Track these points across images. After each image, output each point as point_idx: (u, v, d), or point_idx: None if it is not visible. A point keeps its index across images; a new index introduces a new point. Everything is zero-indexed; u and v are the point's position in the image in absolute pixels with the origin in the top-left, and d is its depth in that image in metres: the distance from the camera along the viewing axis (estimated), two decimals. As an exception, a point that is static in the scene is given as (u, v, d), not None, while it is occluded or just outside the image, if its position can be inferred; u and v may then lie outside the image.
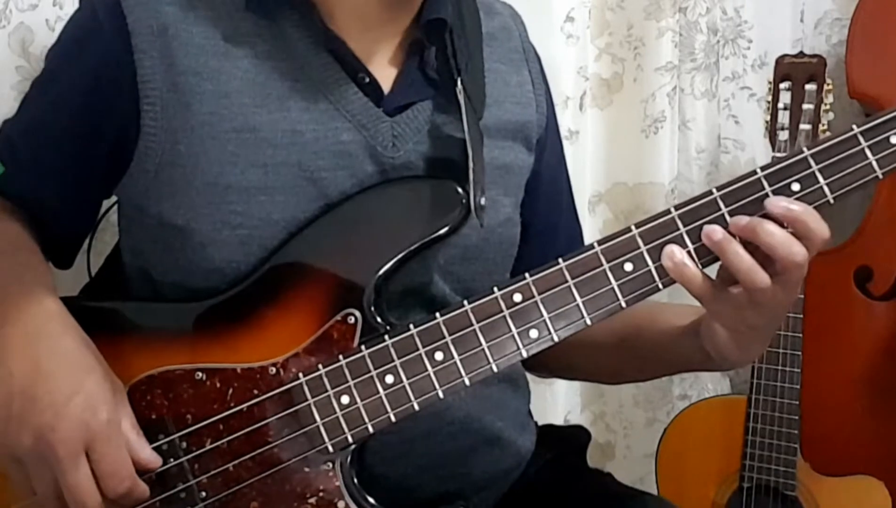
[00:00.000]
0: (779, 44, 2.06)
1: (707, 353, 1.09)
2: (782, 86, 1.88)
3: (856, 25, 1.97)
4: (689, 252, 1.01)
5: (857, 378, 1.99)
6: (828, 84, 1.87)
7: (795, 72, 1.88)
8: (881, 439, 1.97)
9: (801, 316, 1.87)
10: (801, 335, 1.88)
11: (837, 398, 1.99)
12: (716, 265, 1.02)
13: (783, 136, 1.87)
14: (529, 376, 1.33)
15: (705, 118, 2.09)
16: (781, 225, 0.98)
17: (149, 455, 1.04)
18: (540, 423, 1.36)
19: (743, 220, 0.99)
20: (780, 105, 1.88)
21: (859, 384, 1.99)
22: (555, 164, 1.34)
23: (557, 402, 2.04)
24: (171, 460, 1.06)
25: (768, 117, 1.90)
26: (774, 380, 1.89)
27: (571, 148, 1.94)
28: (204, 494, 1.06)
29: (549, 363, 1.28)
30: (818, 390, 1.96)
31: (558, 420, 2.02)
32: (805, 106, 1.86)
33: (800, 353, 1.88)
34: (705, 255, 1.01)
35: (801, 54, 1.91)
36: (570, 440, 1.38)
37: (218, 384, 1.06)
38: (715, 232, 0.99)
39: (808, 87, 1.87)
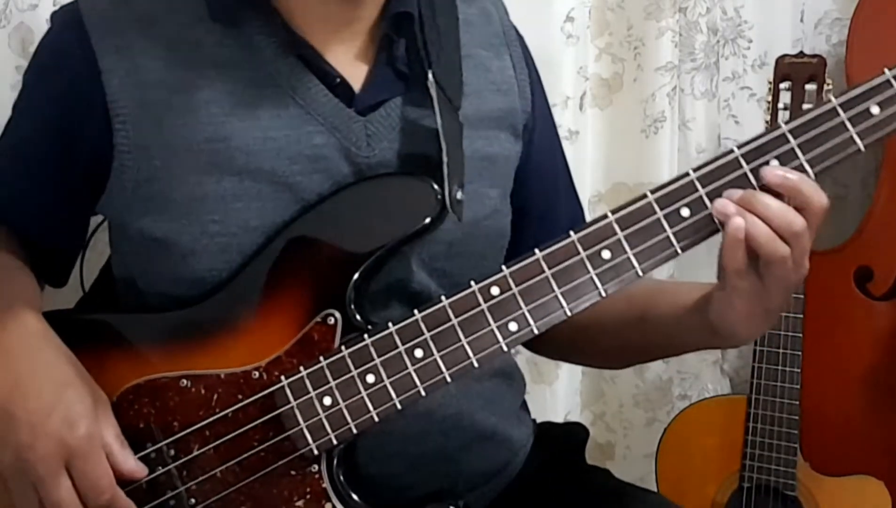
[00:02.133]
0: (779, 44, 2.05)
1: (713, 330, 1.08)
2: (782, 86, 1.88)
3: (856, 25, 1.96)
4: (667, 237, 1.01)
5: (857, 378, 1.98)
6: (828, 84, 1.86)
7: (795, 72, 1.88)
8: (881, 439, 1.96)
9: (801, 316, 1.87)
10: (801, 334, 1.88)
11: (837, 398, 1.99)
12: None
13: (783, 136, 1.87)
14: (528, 375, 1.33)
15: (705, 118, 2.08)
16: (779, 197, 0.98)
17: (132, 465, 1.04)
18: (539, 422, 1.36)
19: (737, 193, 0.99)
20: (780, 105, 1.88)
21: (859, 384, 1.98)
22: (547, 148, 1.33)
23: (557, 402, 2.04)
24: (160, 468, 1.06)
25: (768, 117, 1.90)
26: (774, 380, 1.89)
27: (571, 148, 1.94)
28: (193, 501, 1.07)
29: (554, 346, 1.28)
30: (818, 390, 1.95)
31: (558, 420, 2.01)
32: (805, 106, 1.86)
33: (800, 353, 1.88)
34: (684, 239, 1.01)
35: (801, 54, 1.91)
36: (568, 437, 1.37)
37: (203, 391, 1.06)
38: (727, 206, 0.99)
39: (808, 87, 1.86)
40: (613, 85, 2.06)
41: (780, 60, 1.90)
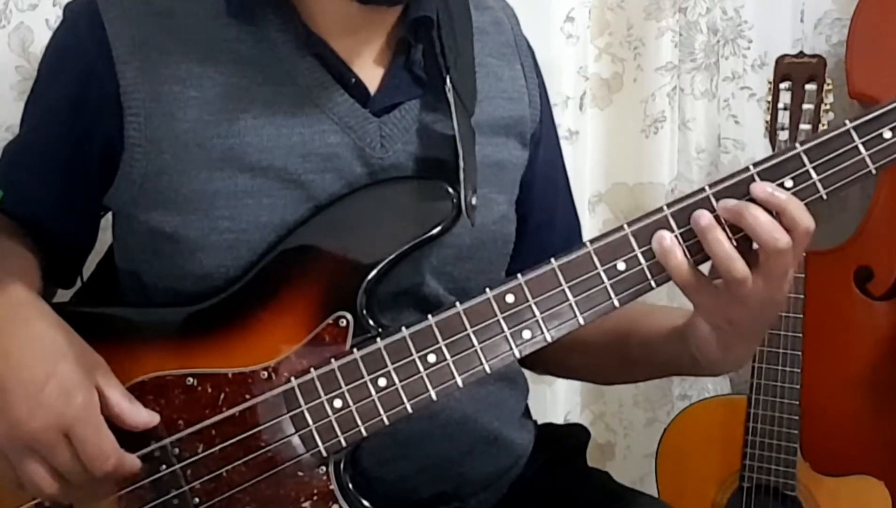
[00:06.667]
0: (779, 44, 2.05)
1: (692, 355, 1.09)
2: (782, 86, 1.88)
3: (856, 25, 1.96)
4: (681, 249, 1.01)
5: (857, 378, 1.99)
6: (828, 84, 1.86)
7: (795, 72, 1.88)
8: (881, 439, 1.97)
9: (801, 316, 1.87)
10: (801, 334, 1.87)
11: (837, 398, 1.99)
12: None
13: (783, 136, 1.87)
14: (529, 375, 1.33)
15: (705, 118, 2.09)
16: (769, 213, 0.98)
17: (146, 417, 1.04)
18: (540, 423, 1.36)
19: (731, 202, 0.99)
20: (780, 105, 1.88)
21: (859, 384, 1.99)
22: (550, 159, 1.33)
23: (557, 402, 2.04)
24: (164, 466, 1.06)
25: (768, 117, 1.90)
26: (774, 380, 1.89)
27: (571, 148, 1.95)
28: (197, 500, 1.06)
29: (542, 362, 1.27)
30: (818, 390, 1.95)
31: (558, 420, 2.02)
32: (805, 106, 1.86)
33: (800, 353, 1.88)
34: (698, 251, 1.01)
35: (801, 54, 1.91)
36: (570, 439, 1.38)
37: (209, 390, 1.06)
38: (703, 217, 0.99)
39: (808, 87, 1.86)
40: (613, 85, 2.06)
41: (780, 60, 1.90)
